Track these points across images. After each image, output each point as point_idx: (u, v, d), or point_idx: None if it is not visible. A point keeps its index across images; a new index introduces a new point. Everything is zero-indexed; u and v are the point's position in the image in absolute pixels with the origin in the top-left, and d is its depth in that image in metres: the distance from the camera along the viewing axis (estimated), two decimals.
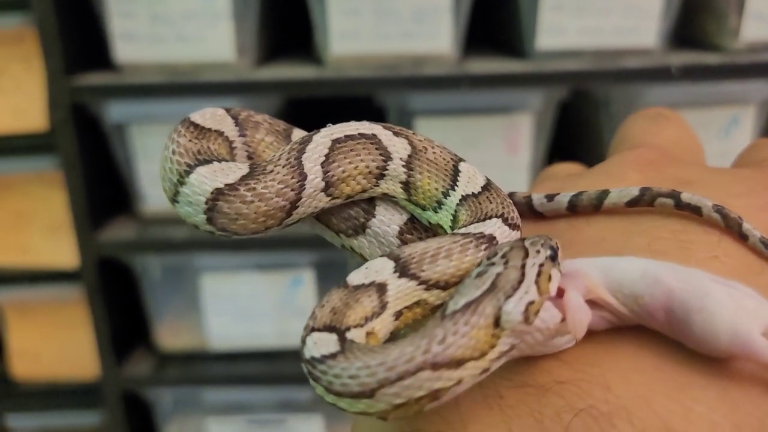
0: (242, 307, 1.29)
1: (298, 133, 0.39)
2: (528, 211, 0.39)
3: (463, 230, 0.33)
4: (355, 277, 0.32)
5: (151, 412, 1.39)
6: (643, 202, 0.35)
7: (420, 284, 0.31)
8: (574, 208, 0.37)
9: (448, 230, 0.36)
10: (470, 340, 0.27)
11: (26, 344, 1.41)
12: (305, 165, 0.34)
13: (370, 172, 0.36)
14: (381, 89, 1.13)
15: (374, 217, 0.37)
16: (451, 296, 0.29)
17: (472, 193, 0.36)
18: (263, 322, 1.30)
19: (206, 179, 0.33)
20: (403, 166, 0.36)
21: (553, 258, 0.30)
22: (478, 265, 0.31)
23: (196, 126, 0.36)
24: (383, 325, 0.31)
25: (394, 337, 0.32)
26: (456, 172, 0.37)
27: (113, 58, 1.15)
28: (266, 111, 0.40)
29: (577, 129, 1.32)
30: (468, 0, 1.11)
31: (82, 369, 1.39)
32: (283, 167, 0.34)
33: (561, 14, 1.10)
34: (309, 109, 1.18)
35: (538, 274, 0.29)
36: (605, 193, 0.36)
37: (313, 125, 0.38)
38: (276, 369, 1.31)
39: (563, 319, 0.29)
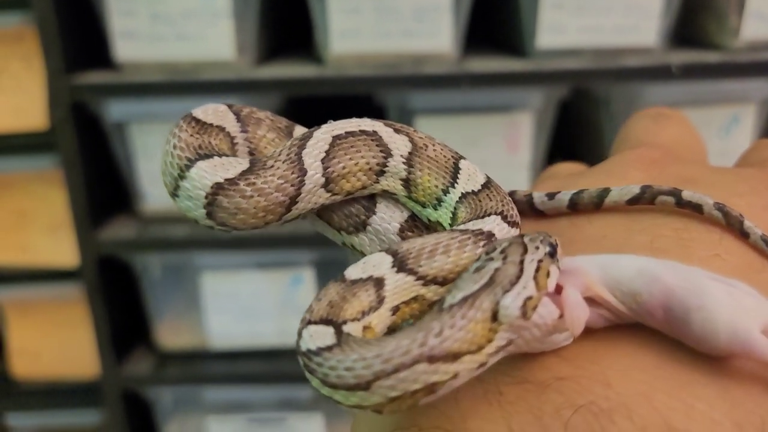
0: (242, 305, 1.29)
1: (299, 130, 0.39)
2: (529, 209, 0.39)
3: (461, 227, 0.33)
4: (352, 272, 0.32)
5: (151, 411, 1.39)
6: (644, 200, 0.35)
7: (418, 279, 0.31)
8: (575, 207, 0.37)
9: (448, 227, 0.36)
10: (467, 333, 0.27)
11: (26, 343, 1.41)
12: (305, 161, 0.34)
13: (370, 169, 0.36)
14: (381, 88, 1.13)
15: (375, 214, 0.37)
16: (449, 291, 0.29)
17: (472, 190, 0.36)
18: (263, 320, 1.30)
19: (206, 174, 0.33)
20: (403, 163, 0.36)
21: (552, 254, 0.30)
22: (477, 260, 0.31)
23: (197, 121, 0.36)
24: (380, 319, 0.31)
25: (391, 332, 0.32)
26: (456, 170, 0.37)
27: (113, 56, 1.15)
28: (267, 110, 0.40)
29: (577, 128, 1.32)
30: None
31: (83, 368, 1.39)
32: (283, 163, 0.34)
33: (561, 13, 1.10)
34: (309, 108, 1.18)
35: (537, 270, 0.29)
36: (606, 191, 0.36)
37: (313, 124, 0.38)
38: (276, 368, 1.31)
39: (561, 316, 0.29)
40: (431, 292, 0.32)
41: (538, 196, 0.38)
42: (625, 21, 1.11)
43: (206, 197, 0.33)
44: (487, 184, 0.36)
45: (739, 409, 0.27)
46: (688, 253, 0.32)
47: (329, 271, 1.27)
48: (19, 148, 1.26)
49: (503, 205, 0.35)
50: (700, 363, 0.28)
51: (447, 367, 0.26)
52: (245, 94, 1.15)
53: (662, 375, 0.28)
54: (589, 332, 0.30)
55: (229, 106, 0.38)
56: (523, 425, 0.27)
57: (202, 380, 1.34)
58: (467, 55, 1.17)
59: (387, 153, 0.36)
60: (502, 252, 0.30)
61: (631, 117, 0.49)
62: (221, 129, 0.37)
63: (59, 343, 1.40)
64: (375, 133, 0.36)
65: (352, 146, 0.36)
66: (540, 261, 0.29)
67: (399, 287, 0.31)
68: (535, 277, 0.29)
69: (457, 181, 0.36)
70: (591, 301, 0.30)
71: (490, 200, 0.35)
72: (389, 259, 0.32)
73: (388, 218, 0.37)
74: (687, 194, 0.34)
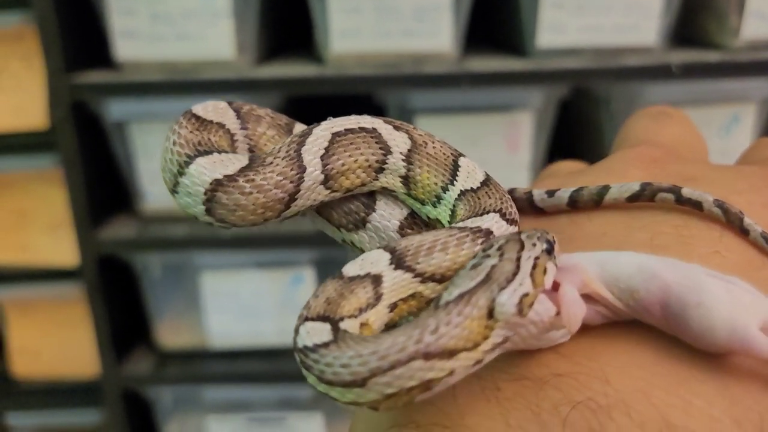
0: (242, 305, 1.29)
1: (299, 128, 0.39)
2: (529, 207, 0.39)
3: (460, 224, 0.33)
4: (350, 269, 0.32)
5: (151, 410, 1.39)
6: (644, 198, 0.35)
7: (415, 277, 0.31)
8: (575, 204, 0.37)
9: (447, 225, 0.36)
10: (463, 330, 0.27)
11: (26, 342, 1.41)
12: (305, 157, 0.34)
13: (369, 166, 0.36)
14: (381, 87, 1.13)
15: (374, 211, 0.37)
16: (446, 288, 0.29)
17: (471, 188, 0.36)
18: (263, 320, 1.30)
19: (205, 170, 0.33)
20: (402, 160, 0.36)
21: (550, 251, 0.30)
22: (474, 257, 0.31)
23: (197, 118, 0.36)
24: (378, 316, 0.31)
25: (389, 329, 0.32)
26: (456, 167, 0.37)
27: (113, 56, 1.15)
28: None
29: (577, 127, 1.32)
30: None
31: (83, 367, 1.39)
32: (283, 159, 0.34)
33: (561, 12, 1.10)
34: (309, 107, 1.18)
35: (534, 267, 0.29)
36: (606, 188, 0.36)
37: (313, 123, 0.38)
38: (276, 367, 1.31)
39: (558, 313, 0.29)
40: (429, 290, 0.32)
41: (538, 194, 0.38)
42: (625, 20, 1.11)
43: (205, 194, 0.33)
44: (486, 182, 0.36)
45: (737, 405, 0.27)
46: (688, 250, 0.32)
47: (329, 270, 1.27)
48: (19, 147, 1.26)
49: (502, 203, 0.35)
50: (699, 360, 0.28)
51: (443, 364, 0.26)
52: (245, 94, 1.15)
53: (660, 372, 0.28)
54: (587, 329, 0.30)
55: (229, 103, 0.38)
56: (521, 422, 0.27)
57: (202, 380, 1.34)
58: (467, 54, 1.17)
59: (386, 150, 0.36)
60: (498, 249, 0.30)
61: (632, 115, 0.49)
62: (221, 126, 0.37)
63: (59, 342, 1.40)
64: (374, 130, 0.36)
65: (351, 143, 0.36)
66: (537, 258, 0.29)
67: (397, 284, 0.31)
68: (531, 274, 0.29)
69: (457, 178, 0.36)
70: (588, 298, 0.30)
71: (489, 198, 0.35)
72: (387, 256, 0.32)
73: (387, 215, 0.37)
74: (687, 191, 0.34)
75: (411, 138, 0.37)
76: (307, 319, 0.29)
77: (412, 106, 1.15)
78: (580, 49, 1.13)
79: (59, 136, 1.16)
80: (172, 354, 1.35)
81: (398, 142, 0.36)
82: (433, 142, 0.37)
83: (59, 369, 1.42)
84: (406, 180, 0.36)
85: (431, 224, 0.37)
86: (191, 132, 0.35)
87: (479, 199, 0.35)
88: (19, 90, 1.24)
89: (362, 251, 0.37)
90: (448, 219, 0.36)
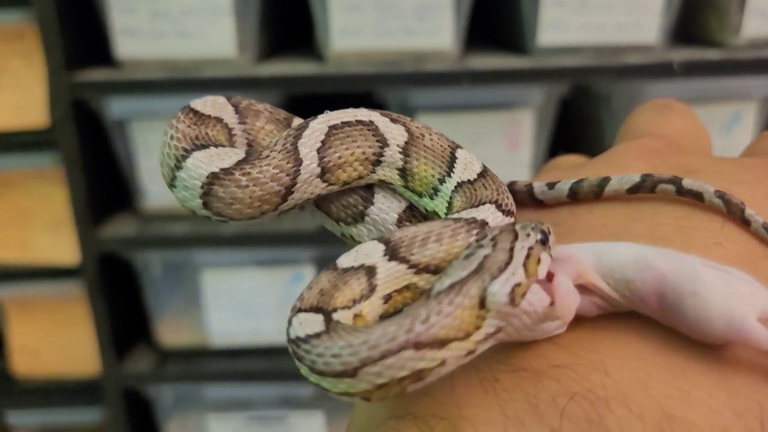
0: (243, 303, 1.29)
1: (298, 122, 0.39)
2: (529, 199, 0.39)
3: (455, 215, 0.33)
4: (344, 260, 0.31)
5: (151, 408, 1.39)
6: (645, 189, 0.35)
7: (410, 268, 0.31)
8: (575, 196, 0.37)
9: (443, 217, 0.36)
10: (454, 320, 0.27)
11: (27, 341, 1.41)
12: (301, 150, 0.34)
13: (366, 159, 0.36)
14: (382, 85, 1.13)
15: (373, 204, 0.37)
16: (439, 278, 0.29)
17: (468, 179, 0.36)
18: (264, 318, 1.30)
19: (202, 163, 0.33)
20: (399, 152, 0.36)
21: (544, 241, 0.30)
22: (468, 247, 0.30)
23: (195, 113, 0.36)
24: (372, 308, 0.31)
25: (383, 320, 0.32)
26: (453, 159, 0.36)
27: (114, 54, 1.15)
28: None
29: (578, 125, 1.31)
30: None
31: (83, 366, 1.39)
32: (279, 152, 0.34)
33: (562, 10, 1.10)
34: (310, 105, 1.17)
35: (527, 257, 0.29)
36: (606, 180, 0.36)
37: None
38: (277, 365, 1.31)
39: (552, 303, 0.28)
40: (423, 281, 0.31)
41: (539, 186, 0.38)
42: (626, 18, 1.11)
43: (202, 187, 0.33)
44: (484, 174, 0.36)
45: (737, 396, 0.26)
46: (689, 241, 0.32)
47: None
48: (20, 145, 1.26)
49: (498, 194, 0.35)
50: (698, 351, 0.28)
51: (434, 353, 0.26)
52: (246, 92, 1.15)
53: (660, 363, 0.27)
54: (585, 320, 0.30)
55: (228, 98, 0.39)
56: (519, 413, 0.27)
57: (202, 378, 1.34)
58: (468, 52, 1.16)
59: (383, 143, 0.36)
60: (492, 239, 0.30)
61: (636, 109, 0.48)
62: (219, 120, 0.37)
63: (60, 340, 1.40)
64: (371, 123, 0.36)
65: (348, 136, 0.36)
66: (531, 248, 0.29)
67: (391, 275, 0.31)
68: (524, 264, 0.28)
69: (453, 170, 0.36)
70: (584, 288, 0.30)
71: (486, 189, 0.35)
72: (381, 247, 0.32)
73: (386, 209, 0.37)
74: (687, 182, 0.34)
75: (408, 130, 0.37)
76: (300, 310, 0.29)
77: (413, 104, 1.15)
78: (581, 47, 1.12)
79: (59, 135, 1.16)
80: (172, 352, 1.35)
81: (395, 134, 0.36)
82: (430, 135, 0.37)
83: (60, 367, 1.42)
84: (404, 172, 0.36)
85: (429, 217, 0.37)
86: (189, 126, 0.35)
87: (476, 190, 0.35)
88: (19, 88, 1.24)
89: None
90: (445, 211, 0.36)
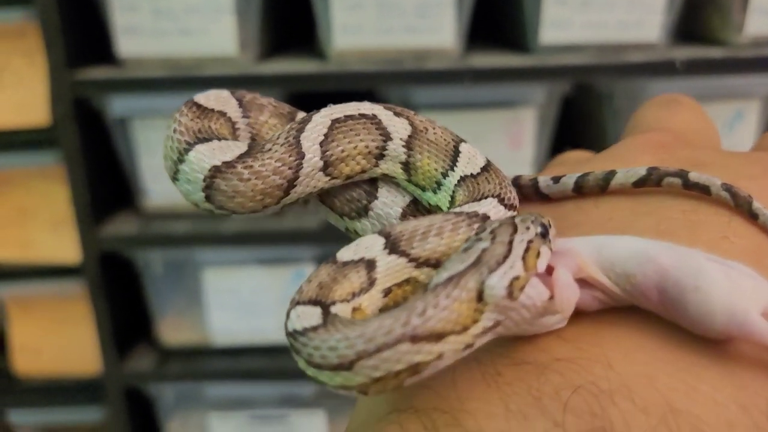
0: (244, 301, 1.29)
1: (302, 116, 0.39)
2: (534, 194, 0.38)
3: (456, 209, 0.33)
4: (344, 253, 0.31)
5: (153, 407, 1.39)
6: (651, 182, 0.35)
7: (410, 261, 0.31)
8: (581, 190, 0.37)
9: (445, 210, 0.36)
10: (451, 313, 0.26)
11: (28, 340, 1.41)
12: (303, 144, 0.34)
13: (369, 152, 0.36)
14: (384, 83, 1.13)
15: (377, 199, 0.37)
16: (437, 271, 0.29)
17: (471, 173, 0.36)
18: (265, 316, 1.30)
19: (204, 157, 0.33)
20: (403, 146, 0.36)
21: (544, 235, 0.30)
22: (467, 240, 0.30)
23: (198, 106, 0.36)
24: (371, 301, 0.31)
25: None
26: (456, 153, 0.36)
27: (116, 52, 1.14)
28: None
29: (580, 123, 1.31)
30: None
31: (84, 364, 1.39)
32: (282, 146, 0.34)
33: (565, 8, 1.10)
34: (311, 104, 1.17)
35: (526, 250, 0.28)
36: (612, 173, 0.36)
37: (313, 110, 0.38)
38: (278, 364, 1.31)
39: (551, 297, 0.28)
40: (424, 275, 0.31)
41: (544, 180, 0.38)
42: (628, 17, 1.11)
43: (204, 180, 0.33)
44: (487, 168, 0.36)
45: (744, 391, 0.26)
46: (696, 235, 0.32)
47: None
48: (21, 144, 1.26)
49: (501, 188, 0.34)
50: (703, 345, 0.27)
51: (431, 347, 0.26)
52: (248, 90, 1.15)
53: (664, 357, 0.27)
54: (589, 314, 0.30)
55: (232, 92, 0.39)
56: (522, 406, 0.26)
57: (204, 377, 1.34)
58: (470, 50, 1.16)
59: (386, 136, 0.36)
60: (491, 232, 0.29)
61: (643, 104, 0.48)
62: (222, 114, 0.37)
63: (61, 339, 1.40)
64: (374, 116, 0.36)
65: (351, 129, 0.35)
66: (530, 241, 0.29)
67: (391, 269, 0.31)
68: (523, 258, 0.28)
69: (457, 164, 0.36)
70: (585, 283, 0.29)
71: (488, 183, 0.35)
72: (381, 240, 0.31)
73: (390, 203, 0.37)
74: (694, 175, 0.34)
75: (411, 124, 0.36)
76: (298, 303, 0.29)
77: (415, 102, 1.15)
78: (584, 46, 1.12)
79: (61, 133, 1.16)
80: (173, 351, 1.35)
81: (398, 128, 0.36)
82: (434, 128, 0.37)
83: (61, 366, 1.42)
84: (407, 166, 0.36)
85: (432, 211, 0.37)
86: (192, 120, 0.35)
87: (478, 184, 0.35)
88: (21, 86, 1.24)
89: None
90: (448, 205, 0.36)
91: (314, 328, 0.27)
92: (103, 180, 1.24)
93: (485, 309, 0.27)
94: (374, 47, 1.12)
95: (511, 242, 0.29)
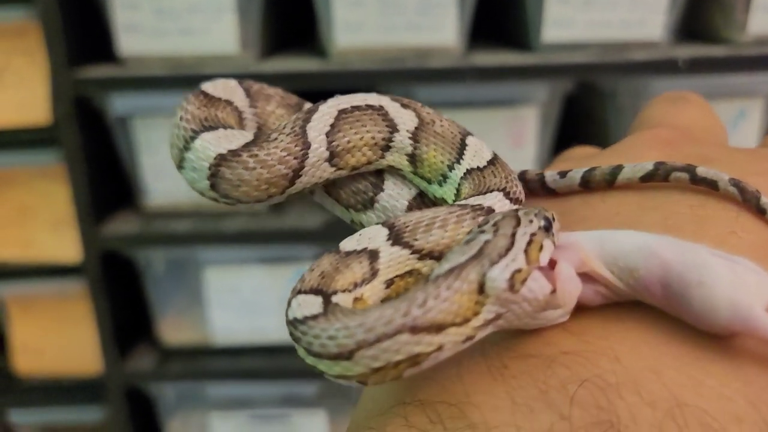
0: (246, 301, 1.29)
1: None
2: (541, 188, 0.38)
3: (461, 202, 0.33)
4: (347, 244, 0.31)
5: (154, 407, 1.38)
6: (658, 177, 0.35)
7: (413, 253, 0.31)
8: (587, 184, 0.36)
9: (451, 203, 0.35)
10: (452, 305, 0.26)
11: (29, 339, 1.41)
12: (309, 134, 0.34)
13: (375, 144, 0.35)
14: (385, 82, 1.13)
15: (383, 191, 0.37)
16: (439, 263, 0.28)
17: (477, 167, 0.35)
18: (267, 316, 1.30)
19: (210, 145, 0.33)
20: (409, 138, 0.36)
21: (548, 228, 0.30)
22: (469, 233, 0.30)
23: (206, 95, 0.36)
24: (373, 292, 0.30)
25: None
26: (463, 146, 0.36)
27: (117, 50, 1.14)
28: None
29: (583, 122, 1.31)
30: None
31: (85, 364, 1.39)
32: (287, 136, 0.34)
33: (567, 7, 1.10)
34: (313, 102, 1.17)
35: (529, 243, 0.28)
36: (619, 168, 0.36)
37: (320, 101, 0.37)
38: (279, 363, 1.31)
39: (554, 291, 0.28)
40: (427, 267, 0.31)
41: (550, 175, 0.38)
42: (631, 15, 1.10)
43: (209, 168, 0.33)
44: (493, 161, 0.36)
45: (752, 386, 0.26)
46: (703, 230, 0.31)
47: None
48: (22, 143, 1.26)
49: (507, 182, 0.34)
50: (711, 340, 0.27)
51: (431, 338, 0.26)
52: None
53: (671, 351, 0.27)
54: (595, 308, 0.30)
55: (240, 82, 0.39)
56: (528, 399, 0.26)
57: (205, 376, 1.34)
58: (472, 48, 1.16)
59: (393, 128, 0.36)
60: (494, 225, 0.29)
61: (651, 100, 0.48)
62: (229, 103, 0.37)
63: (62, 339, 1.40)
64: (381, 107, 0.36)
65: (357, 120, 0.35)
66: (533, 234, 0.29)
67: (394, 260, 0.31)
68: (526, 251, 0.28)
69: (463, 157, 0.36)
70: (588, 277, 0.29)
71: (494, 177, 0.35)
72: (385, 231, 0.31)
73: (396, 195, 0.37)
74: (702, 170, 0.33)
75: (418, 116, 0.36)
76: (300, 291, 0.29)
77: (417, 100, 1.14)
78: (586, 44, 1.12)
79: (62, 132, 1.16)
80: (175, 350, 1.35)
81: (405, 119, 0.36)
82: (440, 121, 0.37)
83: (62, 366, 1.42)
84: (413, 158, 0.36)
85: (438, 204, 0.37)
86: (198, 108, 0.35)
87: (484, 178, 0.35)
88: (22, 85, 1.24)
89: None
90: (454, 198, 0.35)
91: (314, 317, 0.27)
92: (104, 179, 1.24)
93: (486, 301, 0.27)
94: (376, 45, 1.12)
95: (513, 235, 0.28)
